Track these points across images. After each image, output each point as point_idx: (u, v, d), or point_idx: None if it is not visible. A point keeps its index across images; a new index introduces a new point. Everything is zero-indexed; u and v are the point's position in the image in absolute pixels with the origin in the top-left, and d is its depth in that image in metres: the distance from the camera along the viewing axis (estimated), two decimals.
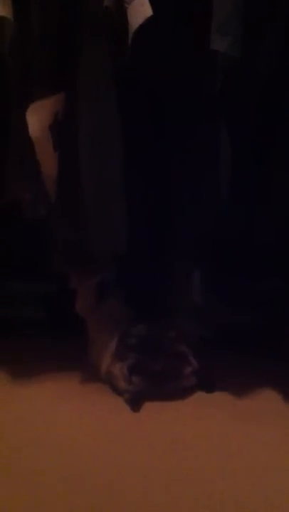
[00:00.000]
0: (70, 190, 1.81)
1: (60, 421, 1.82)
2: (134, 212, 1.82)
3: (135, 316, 1.96)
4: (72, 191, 1.80)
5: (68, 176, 1.80)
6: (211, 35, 1.66)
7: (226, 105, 1.78)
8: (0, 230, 2.06)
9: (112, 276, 1.99)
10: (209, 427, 1.79)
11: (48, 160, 1.80)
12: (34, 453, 1.69)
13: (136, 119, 1.77)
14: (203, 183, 1.83)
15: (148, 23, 1.64)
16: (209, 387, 1.92)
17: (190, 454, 1.69)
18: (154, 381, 1.89)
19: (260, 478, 1.61)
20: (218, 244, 1.88)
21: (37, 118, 1.74)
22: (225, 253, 1.89)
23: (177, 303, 1.98)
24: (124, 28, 1.68)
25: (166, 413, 1.85)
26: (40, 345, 2.10)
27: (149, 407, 1.86)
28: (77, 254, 1.89)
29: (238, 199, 1.85)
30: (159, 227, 1.89)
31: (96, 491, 1.56)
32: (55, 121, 1.75)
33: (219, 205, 1.84)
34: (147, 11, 1.64)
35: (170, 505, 1.53)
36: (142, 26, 1.64)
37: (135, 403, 1.86)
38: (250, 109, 1.79)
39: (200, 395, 1.92)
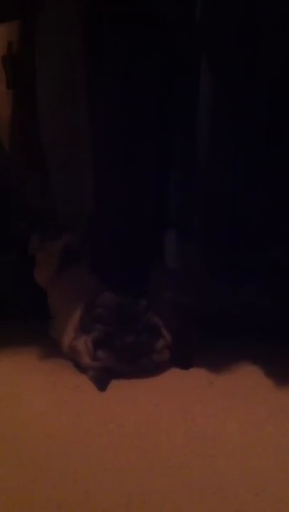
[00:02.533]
0: (27, 137, 1.58)
1: (18, 400, 1.63)
2: (101, 163, 1.63)
3: (103, 285, 1.73)
4: (30, 138, 1.58)
5: (24, 120, 1.57)
6: None
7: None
8: None
9: (76, 240, 1.76)
10: (184, 406, 1.59)
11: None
12: None
13: (106, 56, 1.55)
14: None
15: None
16: (185, 363, 1.72)
17: (163, 436, 1.50)
18: (122, 356, 1.69)
19: (242, 462, 1.42)
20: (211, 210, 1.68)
21: None
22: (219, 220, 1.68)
23: (151, 268, 1.75)
24: None
25: (137, 392, 1.65)
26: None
27: (117, 386, 1.67)
28: (36, 214, 1.67)
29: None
30: (132, 180, 1.67)
31: (59, 480, 1.37)
32: (9, 54, 1.52)
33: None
34: None
35: (143, 494, 1.33)
36: None
37: (101, 381, 1.66)
38: None
39: (174, 372, 1.72)
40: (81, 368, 1.71)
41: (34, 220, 1.73)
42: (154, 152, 1.66)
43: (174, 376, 1.71)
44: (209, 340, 1.76)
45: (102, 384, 1.65)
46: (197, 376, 1.70)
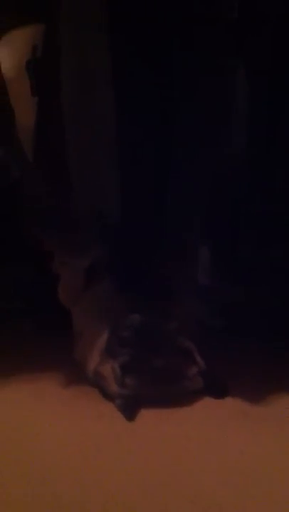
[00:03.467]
0: (51, 145, 1.47)
1: (35, 431, 1.49)
2: (129, 172, 1.52)
3: (130, 305, 1.61)
4: (54, 147, 1.46)
5: (49, 128, 1.46)
6: None
7: None
8: None
9: (102, 257, 1.64)
10: (217, 439, 1.47)
11: (23, 107, 1.45)
12: (3, 470, 1.37)
13: (133, 56, 1.43)
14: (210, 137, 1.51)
15: None
16: (219, 393, 1.59)
17: (194, 473, 1.37)
18: (152, 383, 1.56)
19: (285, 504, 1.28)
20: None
21: (10, 53, 1.39)
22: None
23: (181, 285, 1.63)
24: None
25: (165, 423, 1.52)
26: (16, 340, 1.78)
27: (145, 416, 1.54)
28: (59, 226, 1.55)
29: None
30: (160, 190, 1.55)
31: None
32: (34, 58, 1.41)
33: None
34: None
35: None
36: None
37: (129, 410, 1.53)
38: None
39: (208, 402, 1.59)
40: (107, 396, 1.58)
41: (56, 232, 1.61)
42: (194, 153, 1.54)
43: (205, 406, 1.57)
44: (243, 364, 1.64)
45: (129, 413, 1.53)
46: (230, 406, 1.57)
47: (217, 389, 1.59)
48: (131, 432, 1.49)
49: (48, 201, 1.56)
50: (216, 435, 1.48)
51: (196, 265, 1.66)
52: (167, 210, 1.60)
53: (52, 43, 1.44)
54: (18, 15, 1.42)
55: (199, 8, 1.44)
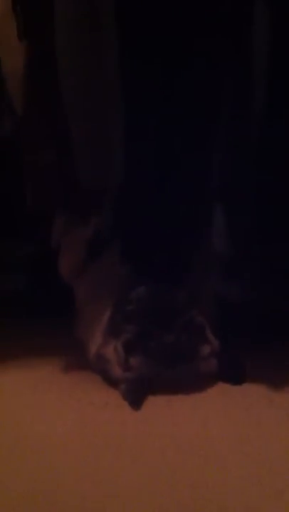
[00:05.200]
0: (43, 95, 1.28)
1: (35, 421, 1.33)
2: (134, 127, 1.36)
3: (137, 278, 1.43)
4: (47, 97, 1.28)
5: (40, 77, 1.28)
6: None
7: None
8: None
9: (107, 225, 1.46)
10: (238, 429, 1.28)
11: (10, 51, 1.27)
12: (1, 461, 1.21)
13: None
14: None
15: None
16: (236, 377, 1.39)
17: (213, 466, 1.18)
18: (160, 364, 1.37)
19: None
20: None
21: None
22: None
23: (196, 255, 1.43)
24: None
25: (178, 411, 1.34)
26: (14, 323, 1.61)
27: (154, 403, 1.35)
28: (60, 188, 1.37)
29: None
30: (173, 146, 1.39)
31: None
32: None
33: None
34: None
35: None
36: None
37: (135, 396, 1.35)
38: None
39: (223, 388, 1.40)
40: (111, 381, 1.40)
41: (54, 201, 1.43)
42: (201, 113, 1.36)
43: (222, 392, 1.39)
44: (266, 346, 1.44)
45: (135, 400, 1.35)
46: (252, 393, 1.38)
47: (234, 373, 1.40)
48: (137, 422, 1.31)
49: (45, 158, 1.38)
50: (236, 425, 1.29)
51: (212, 234, 1.46)
52: (177, 172, 1.41)
53: None
54: None
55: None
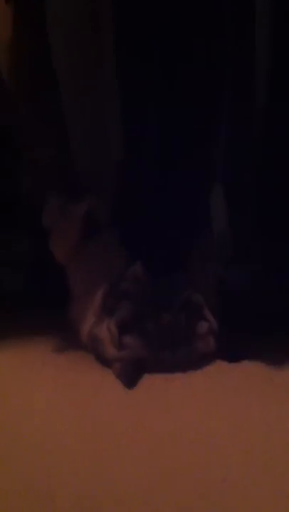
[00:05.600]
0: (33, 67, 1.24)
1: (27, 402, 1.28)
2: (132, 101, 1.32)
3: (133, 258, 1.37)
4: (38, 69, 1.24)
5: (30, 47, 1.24)
6: None
7: None
8: None
9: (102, 203, 1.41)
10: (239, 410, 1.22)
11: None
12: None
13: None
14: None
15: None
16: (235, 355, 1.34)
17: (212, 450, 1.13)
18: (156, 343, 1.31)
19: None
20: None
21: None
22: None
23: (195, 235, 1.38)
24: None
25: (175, 391, 1.29)
26: (5, 303, 1.52)
27: (150, 383, 1.30)
28: (51, 172, 1.33)
29: None
30: (172, 123, 1.34)
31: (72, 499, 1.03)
32: None
33: None
34: None
35: None
36: None
37: (129, 376, 1.30)
38: None
39: (222, 366, 1.34)
40: (104, 361, 1.35)
41: (48, 180, 1.38)
42: (201, 88, 1.31)
43: (221, 371, 1.33)
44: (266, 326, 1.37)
45: (130, 380, 1.29)
46: (252, 371, 1.33)
47: (233, 351, 1.34)
48: (133, 403, 1.25)
49: (34, 137, 1.33)
50: (237, 404, 1.24)
51: (212, 212, 1.40)
52: (178, 152, 1.36)
53: None
54: None
55: None
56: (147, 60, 1.30)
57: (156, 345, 1.31)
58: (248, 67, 1.36)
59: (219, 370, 1.33)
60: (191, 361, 1.32)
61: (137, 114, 1.33)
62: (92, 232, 1.44)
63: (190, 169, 1.36)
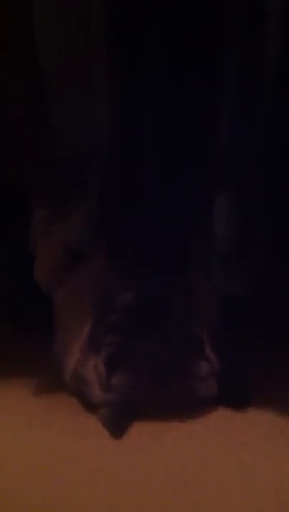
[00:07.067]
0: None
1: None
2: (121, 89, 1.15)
3: (126, 282, 1.20)
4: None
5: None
6: None
7: None
8: None
9: (93, 220, 1.24)
10: (244, 465, 1.05)
11: None
12: None
13: None
14: None
15: None
16: (240, 401, 1.17)
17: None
18: (149, 384, 1.14)
19: None
20: None
21: None
22: None
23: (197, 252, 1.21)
24: None
25: (170, 441, 1.11)
26: None
27: (140, 431, 1.13)
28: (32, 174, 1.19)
29: None
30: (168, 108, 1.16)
31: None
32: None
33: None
34: None
35: None
36: None
37: (117, 423, 1.13)
38: None
39: (228, 413, 1.17)
40: (90, 405, 1.18)
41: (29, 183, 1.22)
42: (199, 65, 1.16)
43: (223, 419, 1.16)
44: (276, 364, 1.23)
45: (117, 427, 1.12)
46: (259, 420, 1.15)
47: (237, 396, 1.17)
48: (118, 454, 1.09)
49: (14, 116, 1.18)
50: (240, 461, 1.06)
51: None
52: (173, 146, 1.20)
53: None
54: None
55: None
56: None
57: (148, 386, 1.13)
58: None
59: (222, 418, 1.15)
60: (189, 406, 1.15)
61: (128, 90, 1.17)
62: (80, 254, 1.27)
63: (188, 157, 1.19)
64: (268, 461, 1.06)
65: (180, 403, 1.15)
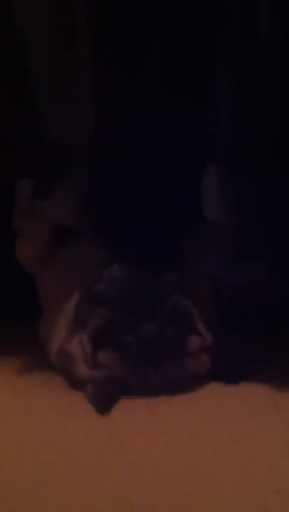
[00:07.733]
0: None
1: None
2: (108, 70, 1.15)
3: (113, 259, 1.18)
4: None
5: None
6: None
7: None
8: None
9: (78, 196, 1.22)
10: (237, 440, 1.02)
11: None
12: None
13: None
14: None
15: None
16: (232, 376, 1.14)
17: (202, 488, 0.92)
18: (137, 360, 1.11)
19: None
20: None
21: None
22: None
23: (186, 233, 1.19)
24: None
25: (160, 417, 1.09)
26: None
27: (128, 408, 1.10)
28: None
29: None
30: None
31: None
32: None
33: None
34: None
35: None
36: None
37: (103, 400, 1.09)
38: None
39: (217, 389, 1.14)
40: (75, 383, 1.14)
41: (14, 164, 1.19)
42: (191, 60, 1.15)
43: (216, 395, 1.13)
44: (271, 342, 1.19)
45: (104, 403, 1.08)
46: (254, 395, 1.13)
47: (229, 370, 1.14)
48: (108, 431, 1.05)
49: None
50: (234, 434, 1.04)
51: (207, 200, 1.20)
52: (167, 131, 1.19)
53: None
54: None
55: None
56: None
57: (136, 362, 1.10)
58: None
59: (214, 394, 1.13)
60: (180, 382, 1.11)
61: (113, 77, 1.15)
62: (65, 233, 1.24)
63: (180, 147, 1.18)
64: (260, 434, 1.03)
65: (170, 378, 1.11)
